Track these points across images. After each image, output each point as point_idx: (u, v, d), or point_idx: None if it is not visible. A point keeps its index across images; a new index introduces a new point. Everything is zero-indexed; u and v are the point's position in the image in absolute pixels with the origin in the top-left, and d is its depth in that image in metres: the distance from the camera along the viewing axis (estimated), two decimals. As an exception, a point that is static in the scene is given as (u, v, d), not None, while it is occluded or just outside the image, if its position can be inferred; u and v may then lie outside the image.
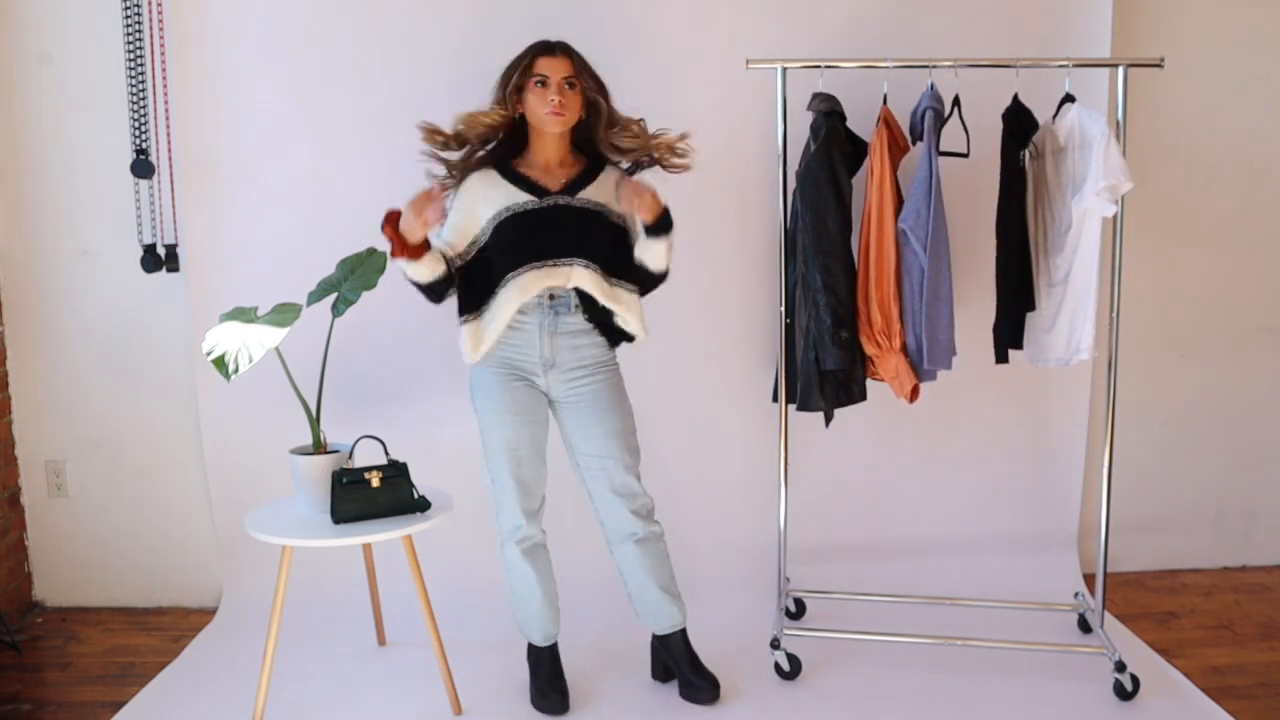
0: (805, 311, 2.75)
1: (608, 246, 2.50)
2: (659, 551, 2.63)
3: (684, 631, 2.69)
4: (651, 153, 2.50)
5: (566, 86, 2.44)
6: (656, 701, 2.66)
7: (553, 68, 2.43)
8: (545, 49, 2.46)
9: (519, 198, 2.46)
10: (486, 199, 2.48)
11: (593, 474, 2.57)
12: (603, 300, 2.49)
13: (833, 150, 2.67)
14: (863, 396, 2.81)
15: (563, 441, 2.62)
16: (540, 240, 2.45)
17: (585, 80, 2.46)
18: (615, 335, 2.57)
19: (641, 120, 2.53)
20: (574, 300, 2.49)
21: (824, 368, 2.73)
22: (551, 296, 2.47)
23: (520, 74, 2.44)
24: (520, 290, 2.44)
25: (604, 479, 2.56)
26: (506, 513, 2.57)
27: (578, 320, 2.50)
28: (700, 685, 2.63)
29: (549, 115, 2.43)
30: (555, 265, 2.45)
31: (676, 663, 2.68)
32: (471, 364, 2.55)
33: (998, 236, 2.76)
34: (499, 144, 2.52)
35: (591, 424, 2.53)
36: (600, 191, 2.50)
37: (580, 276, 2.46)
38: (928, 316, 2.64)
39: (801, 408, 2.80)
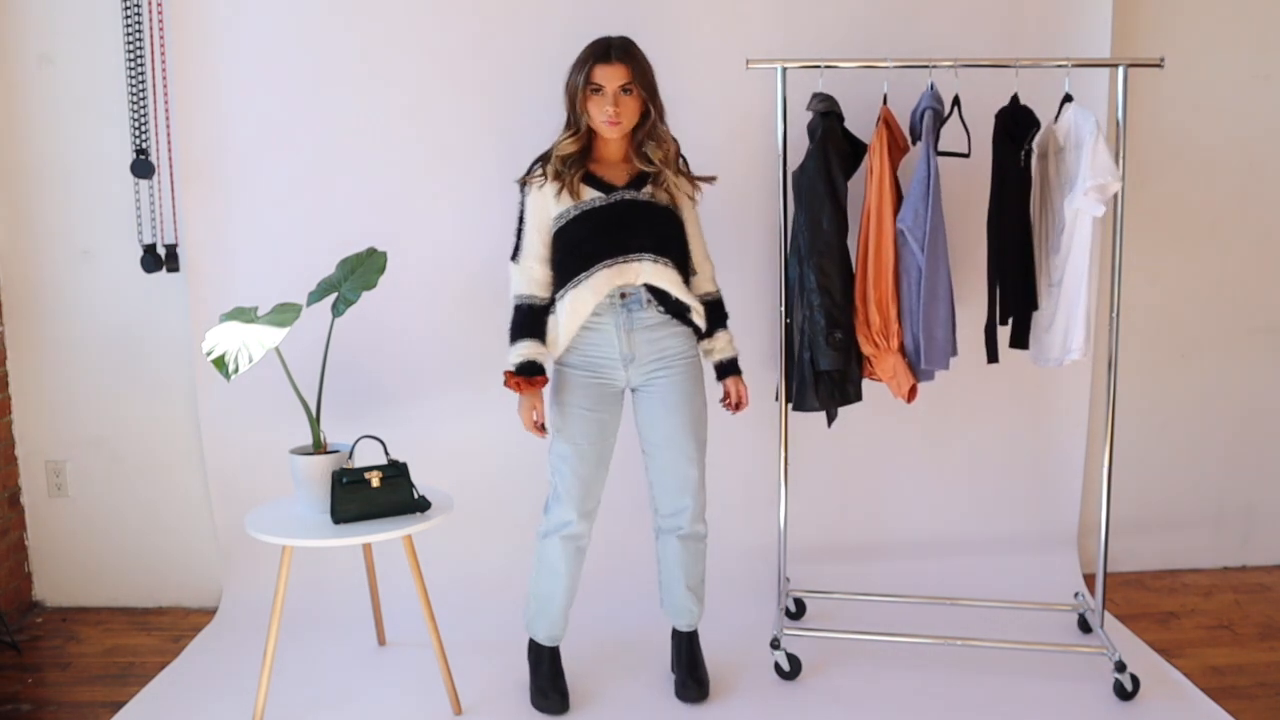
0: (800, 311, 2.76)
1: (675, 241, 2.52)
2: (698, 552, 2.66)
3: (696, 633, 2.72)
4: (667, 176, 2.52)
5: (622, 94, 2.45)
6: (657, 703, 2.66)
7: (608, 76, 2.43)
8: (602, 56, 2.45)
9: (586, 194, 2.48)
10: (556, 204, 2.49)
11: (656, 461, 2.59)
12: (677, 294, 2.50)
13: (828, 150, 2.67)
14: (858, 397, 2.81)
15: (635, 427, 2.63)
16: (609, 237, 2.46)
17: (639, 87, 2.46)
18: (690, 321, 2.57)
19: (677, 143, 2.57)
20: (645, 295, 2.49)
21: (818, 368, 2.73)
22: (622, 295, 2.48)
23: (582, 81, 2.45)
24: (592, 291, 2.45)
25: (666, 467, 2.58)
26: (561, 507, 2.56)
27: (652, 314, 2.51)
28: (689, 685, 2.66)
29: (606, 125, 2.45)
30: (625, 262, 2.45)
31: (679, 657, 2.71)
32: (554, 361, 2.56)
33: (989, 236, 2.76)
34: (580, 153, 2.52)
35: (664, 413, 2.55)
36: (664, 188, 2.52)
37: (649, 272, 2.47)
38: (925, 316, 2.64)
39: (797, 407, 2.81)
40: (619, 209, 2.47)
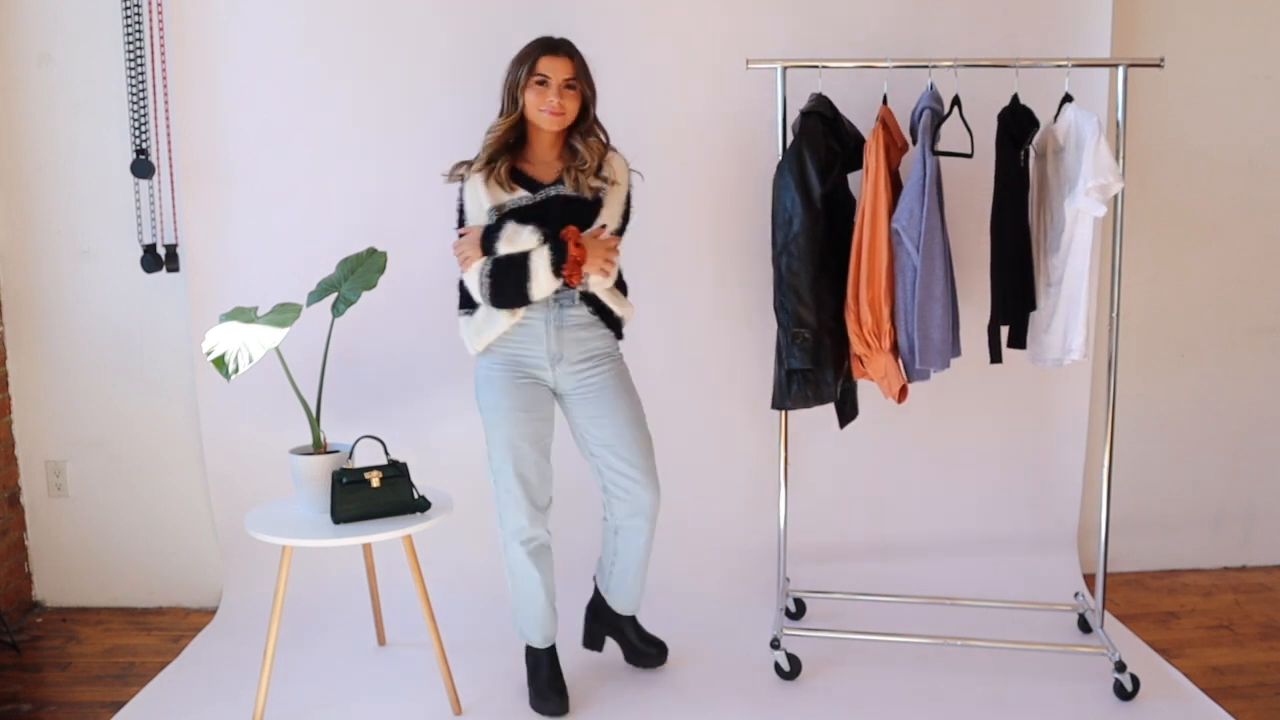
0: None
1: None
2: (649, 546, 2.68)
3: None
4: (581, 168, 2.49)
5: (566, 88, 2.45)
6: (656, 702, 2.66)
7: (554, 69, 2.44)
8: (549, 48, 2.46)
9: (516, 193, 2.48)
10: (488, 196, 2.49)
11: (606, 462, 2.59)
12: (604, 298, 2.52)
13: (803, 149, 2.66)
14: (834, 398, 2.78)
15: (572, 434, 2.63)
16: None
17: (583, 84, 2.48)
18: (616, 324, 2.59)
19: (606, 139, 2.56)
20: (576, 293, 2.50)
21: (787, 367, 2.73)
22: (556, 291, 2.46)
23: (525, 73, 2.45)
24: None
25: (617, 466, 2.57)
26: (510, 513, 2.57)
27: (582, 313, 2.51)
28: (648, 652, 2.78)
29: (547, 115, 2.45)
30: None
31: (624, 635, 2.78)
32: (475, 355, 2.57)
33: (992, 236, 2.76)
34: (509, 144, 2.52)
35: (604, 413, 2.55)
36: (589, 182, 2.50)
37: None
38: (920, 316, 2.63)
39: (774, 406, 2.79)
40: (549, 206, 2.47)
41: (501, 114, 2.51)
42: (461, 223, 2.54)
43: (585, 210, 2.49)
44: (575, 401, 2.57)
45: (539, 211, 2.46)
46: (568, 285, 2.44)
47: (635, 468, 2.58)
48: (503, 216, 2.46)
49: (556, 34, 2.54)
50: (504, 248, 2.42)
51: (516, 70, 2.47)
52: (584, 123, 2.51)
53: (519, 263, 2.41)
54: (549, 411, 2.58)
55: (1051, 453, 3.38)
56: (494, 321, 2.49)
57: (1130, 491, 3.47)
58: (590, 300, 2.51)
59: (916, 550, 3.37)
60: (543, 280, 2.40)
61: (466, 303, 2.55)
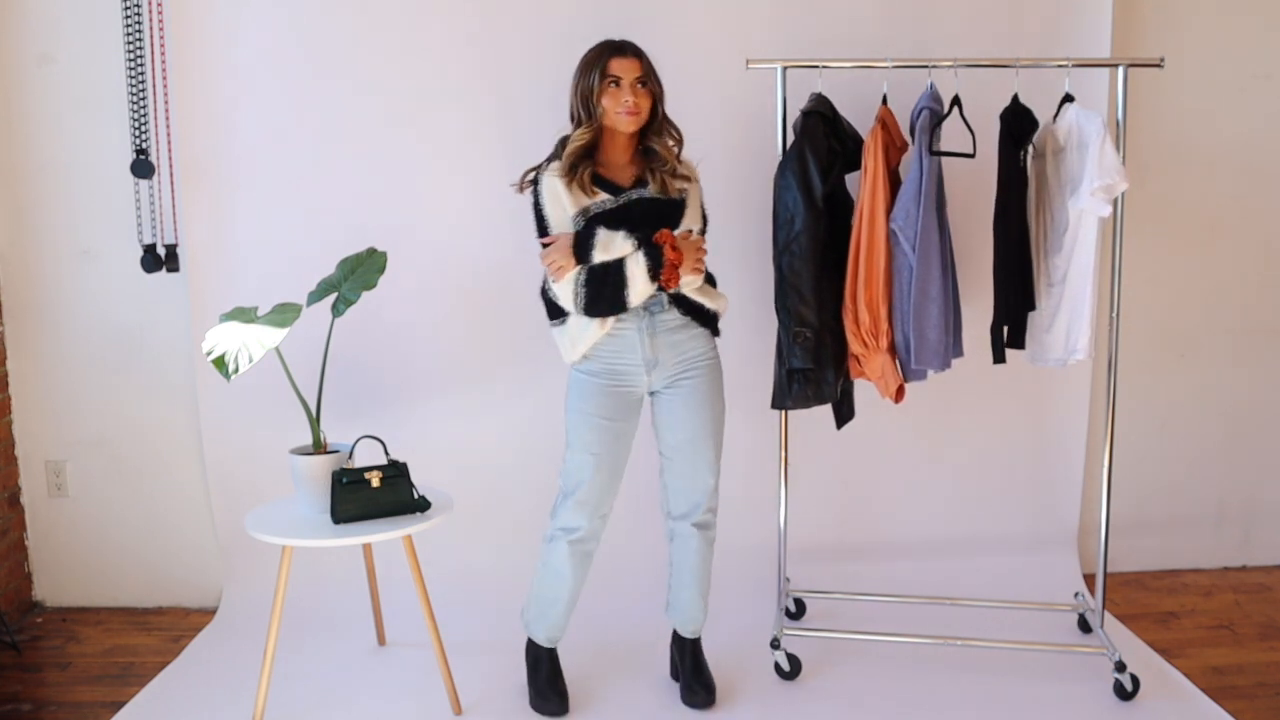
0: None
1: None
2: (709, 553, 2.64)
3: (699, 639, 2.71)
4: (664, 169, 2.50)
5: (639, 85, 2.44)
6: (656, 703, 2.66)
7: (625, 69, 2.43)
8: (616, 50, 2.45)
9: (598, 197, 2.46)
10: (571, 200, 2.45)
11: (675, 465, 2.58)
12: (695, 296, 2.49)
13: (804, 149, 2.65)
14: (834, 397, 2.78)
15: (653, 427, 2.61)
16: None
17: (653, 81, 2.47)
18: (710, 321, 2.56)
19: (680, 136, 2.54)
20: (665, 297, 2.48)
21: (789, 366, 2.73)
22: (649, 296, 2.45)
23: (597, 77, 2.44)
24: None
25: (685, 472, 2.57)
26: (570, 512, 2.54)
27: (674, 316, 2.49)
28: (696, 691, 2.64)
29: (624, 115, 2.43)
30: None
31: (683, 664, 2.69)
32: (570, 364, 2.55)
33: (995, 236, 2.76)
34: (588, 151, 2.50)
35: (686, 416, 2.54)
36: (670, 182, 2.49)
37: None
38: (915, 316, 2.63)
39: (774, 405, 2.79)
40: (631, 210, 2.45)
41: (576, 122, 2.48)
42: (544, 231, 2.48)
43: (669, 211, 2.47)
44: (661, 400, 2.56)
45: (622, 215, 2.44)
46: (662, 290, 2.43)
47: (695, 477, 2.57)
48: (590, 221, 2.43)
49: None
50: (599, 255, 2.41)
51: (588, 76, 2.45)
52: (655, 121, 2.49)
53: (615, 269, 2.40)
54: (632, 426, 2.57)
55: (1051, 453, 3.39)
56: (587, 330, 2.47)
57: (1130, 491, 3.47)
58: (680, 301, 2.49)
59: (917, 550, 3.37)
60: (640, 286, 2.40)
61: (556, 313, 2.51)
